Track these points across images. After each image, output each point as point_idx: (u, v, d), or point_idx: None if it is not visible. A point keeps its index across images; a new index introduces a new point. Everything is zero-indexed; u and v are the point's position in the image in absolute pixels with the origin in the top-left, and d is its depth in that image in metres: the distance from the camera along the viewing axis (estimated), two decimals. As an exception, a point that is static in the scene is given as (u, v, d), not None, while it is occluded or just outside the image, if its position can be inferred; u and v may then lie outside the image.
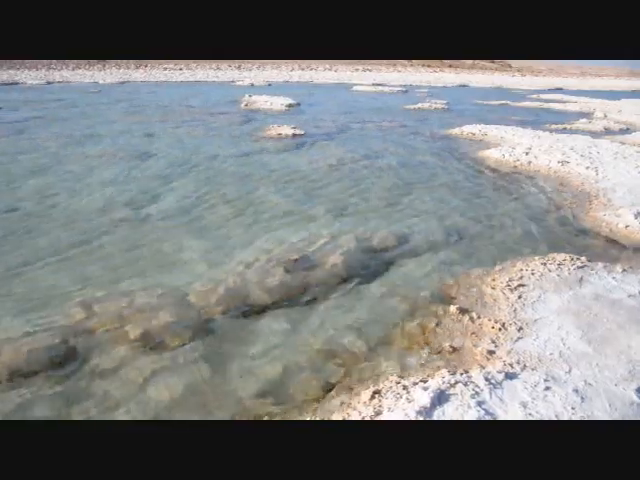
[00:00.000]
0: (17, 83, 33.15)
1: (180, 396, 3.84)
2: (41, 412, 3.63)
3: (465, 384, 3.76)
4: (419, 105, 24.46)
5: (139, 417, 3.62)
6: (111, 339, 4.47)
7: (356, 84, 39.67)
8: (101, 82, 35.94)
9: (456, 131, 16.23)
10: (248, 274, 5.66)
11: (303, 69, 59.18)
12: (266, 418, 3.65)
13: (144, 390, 3.89)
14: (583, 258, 6.07)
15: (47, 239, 6.59)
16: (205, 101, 24.20)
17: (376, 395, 3.76)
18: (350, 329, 4.73)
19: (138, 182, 9.35)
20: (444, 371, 3.97)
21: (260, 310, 5.01)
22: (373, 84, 40.64)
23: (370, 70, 64.70)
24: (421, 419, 3.40)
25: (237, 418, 3.62)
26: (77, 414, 3.62)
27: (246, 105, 22.03)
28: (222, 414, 3.66)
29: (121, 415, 3.62)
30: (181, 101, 23.85)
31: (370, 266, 6.04)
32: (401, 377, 3.98)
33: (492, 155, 12.43)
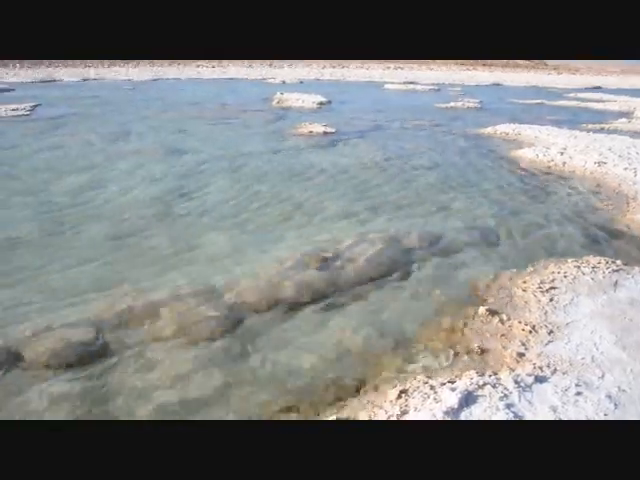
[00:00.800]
0: (55, 80, 33.98)
1: (212, 390, 3.90)
2: (73, 404, 3.74)
3: (494, 386, 3.73)
4: (452, 104, 24.19)
5: (170, 411, 3.69)
6: (145, 333, 4.57)
7: (388, 82, 39.43)
8: (135, 79, 36.54)
9: (489, 130, 16.00)
10: (280, 271, 5.70)
11: (334, 67, 59.11)
12: (294, 415, 3.68)
13: (175, 385, 3.96)
14: (619, 261, 5.93)
15: (84, 234, 6.77)
16: (237, 98, 24.42)
17: (403, 395, 3.76)
18: (378, 328, 4.73)
19: (172, 179, 9.51)
20: (472, 372, 3.94)
21: (291, 307, 5.05)
22: (405, 82, 40.34)
23: (402, 68, 64.22)
24: (442, 419, 3.38)
25: (265, 415, 3.66)
26: (109, 407, 3.71)
27: (278, 102, 22.14)
28: (251, 410, 3.71)
29: (152, 408, 3.70)
30: (213, 98, 24.12)
31: (401, 265, 6.02)
32: (429, 377, 3.97)
33: (526, 155, 12.22)
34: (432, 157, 12.07)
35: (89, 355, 4.26)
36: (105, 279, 5.50)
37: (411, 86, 36.90)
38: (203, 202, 8.18)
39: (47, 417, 3.57)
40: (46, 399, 3.76)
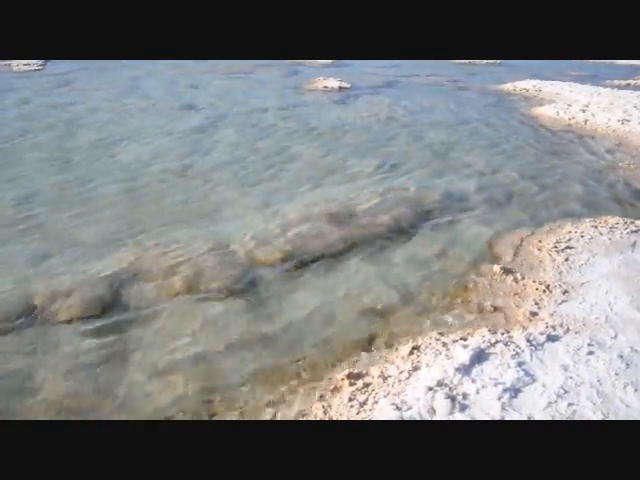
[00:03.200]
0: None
1: (225, 345, 3.97)
2: (91, 356, 3.83)
3: (506, 344, 3.74)
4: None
5: (185, 364, 3.76)
6: (160, 288, 4.63)
7: (405, 36, 38.37)
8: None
9: (508, 87, 15.56)
10: (293, 228, 5.70)
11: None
12: (305, 374, 3.73)
13: (190, 339, 4.03)
14: (638, 222, 5.83)
15: (100, 190, 6.79)
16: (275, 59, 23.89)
17: (415, 351, 3.79)
18: (391, 285, 4.74)
19: (184, 134, 9.43)
20: (484, 330, 3.96)
21: (304, 263, 5.06)
22: (423, 36, 39.16)
23: (420, 21, 62.22)
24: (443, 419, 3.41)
25: (275, 368, 3.73)
26: (126, 360, 3.80)
27: (292, 57, 21.65)
28: (263, 363, 3.78)
29: (168, 363, 3.78)
30: (227, 52, 23.61)
31: (415, 222, 5.99)
32: (441, 334, 3.99)
33: (545, 112, 11.90)
34: (449, 114, 11.81)
35: (106, 308, 4.34)
36: (120, 234, 5.55)
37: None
38: (217, 158, 8.13)
39: (62, 368, 3.66)
40: (63, 350, 3.86)
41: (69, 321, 4.16)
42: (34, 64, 18.03)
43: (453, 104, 12.93)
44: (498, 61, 23.45)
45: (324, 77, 15.64)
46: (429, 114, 11.66)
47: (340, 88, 14.11)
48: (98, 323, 4.15)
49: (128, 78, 15.36)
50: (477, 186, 7.21)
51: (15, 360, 3.75)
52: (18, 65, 17.51)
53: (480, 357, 3.60)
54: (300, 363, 3.79)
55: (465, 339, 3.87)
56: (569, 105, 12.39)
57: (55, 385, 3.52)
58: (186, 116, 10.77)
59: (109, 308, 4.34)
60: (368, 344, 4.00)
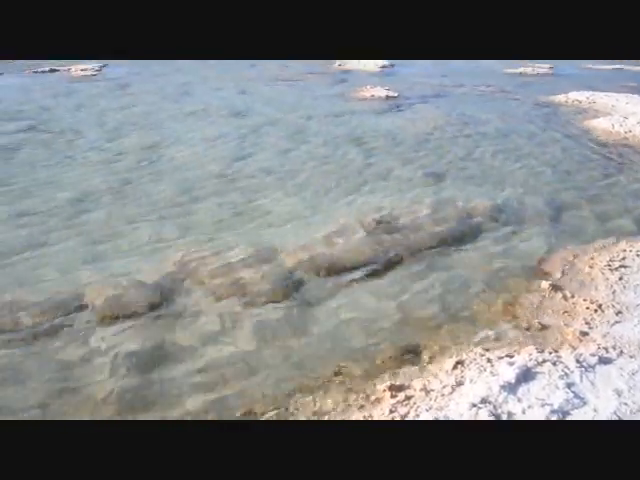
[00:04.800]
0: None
1: (267, 350, 3.99)
2: (131, 352, 3.92)
3: (554, 364, 3.62)
4: (521, 69, 23.03)
5: (223, 366, 3.80)
6: (203, 290, 4.71)
7: (454, 45, 37.96)
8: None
9: (560, 98, 15.17)
10: (338, 236, 5.70)
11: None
12: (347, 379, 3.71)
13: (230, 343, 4.08)
14: (698, 242, 5.57)
15: (149, 192, 6.98)
16: (298, 60, 24.15)
17: (459, 365, 3.72)
18: (436, 297, 4.68)
19: (233, 139, 9.59)
20: (531, 348, 3.84)
21: (349, 271, 5.05)
22: (472, 45, 38.66)
23: (470, 30, 61.46)
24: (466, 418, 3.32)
25: (316, 377, 3.72)
26: (164, 359, 3.87)
27: (339, 65, 21.76)
28: (302, 369, 3.77)
29: (206, 363, 3.82)
30: (274, 60, 23.94)
31: (461, 234, 5.90)
32: (486, 350, 3.91)
33: (600, 125, 11.53)
34: (498, 125, 11.59)
35: (149, 307, 4.44)
36: (167, 235, 5.68)
37: (478, 50, 35.31)
38: (263, 164, 8.22)
39: (108, 365, 3.76)
40: (106, 344, 3.98)
41: (116, 318, 4.28)
42: (90, 69, 18.71)
43: (503, 115, 12.70)
44: (550, 71, 22.93)
45: (371, 85, 15.64)
46: (478, 125, 11.48)
47: (387, 97, 14.07)
48: (144, 321, 4.25)
49: (180, 83, 15.75)
50: (525, 200, 7.05)
51: (64, 356, 3.87)
52: (76, 70, 18.22)
53: (527, 376, 3.50)
54: (340, 372, 3.77)
55: (511, 356, 3.77)
56: (625, 118, 11.97)
57: (102, 382, 3.62)
58: (234, 121, 10.95)
59: (155, 307, 4.44)
60: (410, 356, 3.94)
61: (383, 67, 21.24)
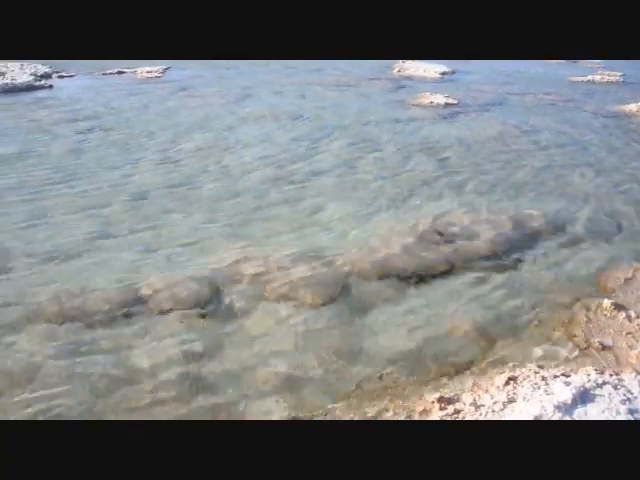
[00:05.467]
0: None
1: (314, 353, 4.01)
2: (185, 349, 4.02)
3: (615, 387, 3.46)
4: (589, 77, 22.17)
5: (265, 367, 3.84)
6: (254, 290, 4.77)
7: (518, 52, 36.95)
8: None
9: (631, 107, 14.50)
10: (391, 242, 5.67)
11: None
12: (398, 389, 3.67)
13: (281, 343, 4.12)
14: None
15: (205, 192, 7.16)
16: (357, 65, 24.15)
17: (511, 382, 3.62)
18: (490, 309, 4.56)
19: (291, 143, 9.69)
20: (590, 369, 3.69)
21: (402, 279, 5.02)
22: (537, 52, 37.50)
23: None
24: (553, 417, 3.20)
25: (364, 383, 3.69)
26: (218, 356, 3.95)
27: (399, 71, 21.62)
28: (349, 375, 3.76)
29: (257, 361, 3.87)
30: (334, 64, 24.07)
31: (518, 247, 5.73)
32: (540, 367, 3.79)
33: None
34: (561, 135, 11.21)
35: (200, 304, 4.56)
36: (221, 235, 5.80)
37: (544, 57, 34.23)
38: (320, 168, 8.27)
39: (159, 359, 3.86)
40: (159, 337, 4.10)
41: (169, 312, 4.40)
42: (155, 71, 19.37)
43: (567, 125, 12.28)
44: (620, 79, 21.98)
45: (430, 92, 15.46)
46: (538, 135, 11.14)
47: (446, 104, 13.87)
48: (195, 318, 4.36)
49: (242, 87, 16.07)
50: (586, 213, 6.77)
51: (120, 347, 4.02)
52: (142, 72, 18.91)
53: (584, 397, 3.36)
54: (388, 380, 3.74)
55: (567, 375, 3.63)
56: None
57: (153, 376, 3.73)
58: (293, 125, 11.07)
59: (206, 304, 4.54)
60: (461, 369, 3.87)
61: (443, 73, 20.95)
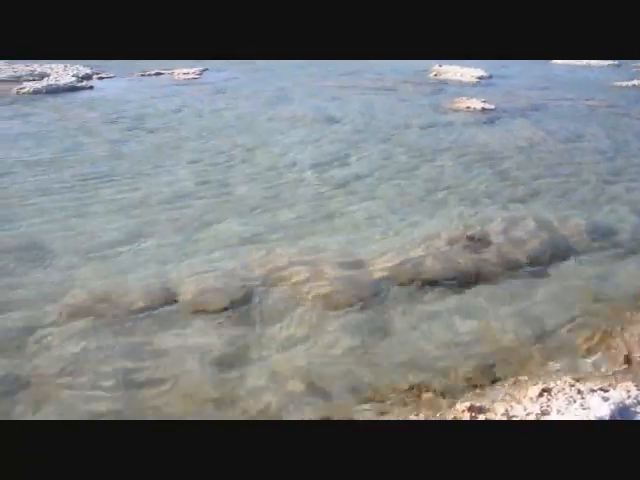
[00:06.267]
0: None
1: (344, 357, 3.98)
2: (216, 345, 4.04)
3: (656, 404, 3.33)
4: (634, 82, 21.54)
5: (295, 368, 3.82)
6: (289, 292, 4.78)
7: (558, 57, 36.17)
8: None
9: (677, 115, 14.02)
10: (425, 246, 5.60)
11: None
12: (429, 394, 3.62)
13: (311, 344, 4.11)
14: None
15: (240, 192, 7.23)
16: (393, 69, 24.06)
17: (545, 393, 3.52)
18: (525, 319, 4.45)
19: (326, 145, 9.70)
20: (630, 384, 3.56)
21: (433, 284, 4.95)
22: (578, 57, 36.60)
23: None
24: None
25: (394, 391, 3.65)
26: (243, 355, 3.96)
27: (435, 75, 21.44)
28: (379, 380, 3.72)
29: (285, 360, 3.87)
30: (370, 68, 24.02)
31: (555, 255, 5.58)
32: (576, 380, 3.67)
33: None
34: (602, 142, 10.90)
35: (233, 303, 4.58)
36: (254, 236, 5.84)
37: (584, 61, 33.49)
38: (352, 171, 8.25)
39: (184, 353, 3.89)
40: (191, 337, 4.12)
41: (202, 312, 4.44)
42: (193, 72, 19.68)
43: (609, 132, 11.95)
44: (666, 87, 21.23)
45: (467, 97, 15.27)
46: (578, 142, 10.86)
47: (483, 109, 13.67)
48: (228, 317, 4.39)
49: (276, 88, 16.19)
50: (632, 225, 6.54)
51: (153, 345, 4.07)
52: (179, 73, 19.24)
53: (623, 414, 3.24)
54: (417, 385, 3.69)
55: (605, 390, 3.50)
56: None
57: (184, 376, 3.75)
58: (327, 128, 11.08)
59: (239, 304, 4.56)
60: (494, 378, 3.78)
61: (480, 78, 20.67)
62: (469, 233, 5.92)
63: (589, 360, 3.94)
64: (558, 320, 4.45)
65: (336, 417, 3.38)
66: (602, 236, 6.11)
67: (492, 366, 3.89)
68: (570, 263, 5.45)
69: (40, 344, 4.03)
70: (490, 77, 21.52)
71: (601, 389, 3.53)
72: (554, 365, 3.93)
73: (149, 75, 19.40)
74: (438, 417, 3.35)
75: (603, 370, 3.82)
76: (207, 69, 20.88)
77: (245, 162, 8.53)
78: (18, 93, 14.84)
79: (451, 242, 5.71)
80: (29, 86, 15.40)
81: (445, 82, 19.60)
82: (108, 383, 3.66)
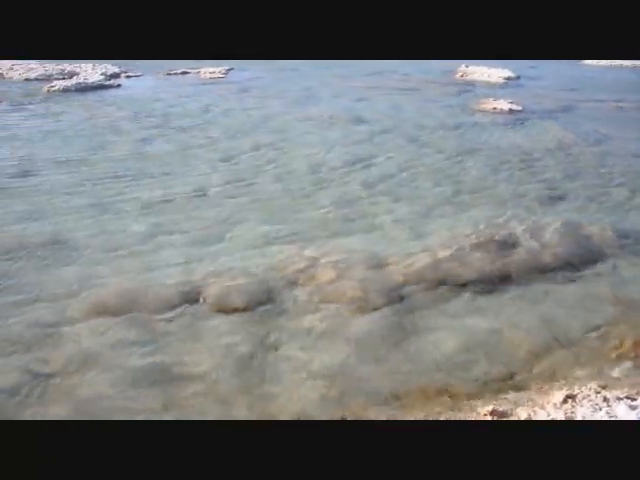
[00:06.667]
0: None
1: (367, 358, 3.96)
2: (239, 345, 4.05)
3: (685, 413, 3.24)
4: (667, 84, 21.03)
5: (318, 369, 3.82)
6: (313, 293, 4.78)
7: (588, 58, 35.52)
8: (323, 47, 37.82)
9: None
10: (449, 250, 5.54)
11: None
12: (447, 399, 3.58)
13: (334, 347, 4.10)
14: None
15: (264, 191, 7.26)
16: (419, 69, 23.90)
17: (569, 400, 3.46)
18: (550, 324, 4.38)
19: (350, 145, 9.68)
20: (659, 393, 3.46)
21: (457, 287, 4.90)
22: (609, 59, 35.90)
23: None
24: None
25: (414, 393, 3.62)
26: (266, 355, 3.96)
27: (462, 75, 21.23)
28: (401, 383, 3.69)
29: (304, 365, 3.87)
30: (395, 68, 23.91)
31: (581, 260, 5.47)
32: (602, 387, 3.59)
33: None
34: (633, 144, 10.66)
35: (256, 303, 4.59)
36: (278, 235, 5.85)
37: (618, 62, 32.78)
38: (379, 172, 8.22)
39: (213, 359, 3.91)
40: (214, 336, 4.14)
41: (225, 311, 4.46)
42: (218, 72, 19.83)
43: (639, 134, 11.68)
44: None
45: (494, 98, 15.09)
46: (606, 145, 10.63)
47: (510, 110, 13.48)
48: (250, 317, 4.40)
49: (302, 88, 16.22)
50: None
51: (175, 346, 4.10)
52: (205, 73, 19.41)
53: (650, 422, 3.16)
54: (440, 390, 3.65)
55: (633, 399, 3.42)
56: None
57: (207, 374, 3.78)
58: (353, 128, 11.05)
59: (262, 304, 4.57)
60: (517, 382, 3.74)
61: (508, 78, 20.40)
62: (495, 236, 5.83)
63: (617, 368, 3.85)
64: (586, 326, 4.36)
65: (355, 417, 3.37)
66: (632, 241, 5.97)
67: (516, 371, 3.83)
68: (599, 268, 5.34)
69: (63, 340, 4.09)
70: (518, 78, 21.23)
71: (628, 397, 3.45)
72: (580, 371, 3.85)
73: (175, 74, 19.61)
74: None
75: (631, 378, 3.73)
76: (233, 68, 21.03)
77: (272, 162, 8.56)
78: (49, 91, 15.15)
79: (478, 245, 5.64)
80: (59, 84, 15.71)
81: (472, 83, 19.40)
82: (131, 381, 3.70)
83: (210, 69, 20.23)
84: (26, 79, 17.64)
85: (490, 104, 14.06)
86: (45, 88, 15.18)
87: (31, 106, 12.98)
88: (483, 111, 13.47)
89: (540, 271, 5.20)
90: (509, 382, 3.72)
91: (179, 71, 20.09)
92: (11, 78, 18.18)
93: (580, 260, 5.45)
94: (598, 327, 4.34)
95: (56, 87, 15.22)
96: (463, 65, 23.78)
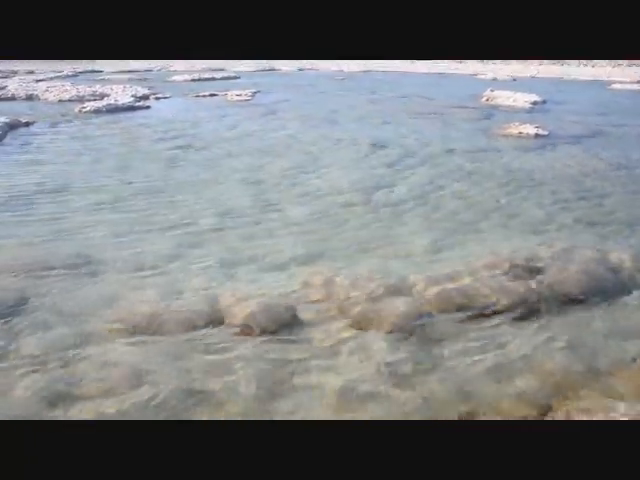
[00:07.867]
0: (274, 69, 37.76)
1: (385, 386, 3.90)
2: (262, 362, 4.03)
3: None
4: (697, 110, 20.67)
5: (346, 392, 3.77)
6: (329, 316, 4.72)
7: (616, 81, 35.24)
8: (345, 70, 38.46)
9: None
10: (474, 273, 5.45)
11: (553, 64, 54.71)
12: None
13: (353, 369, 4.04)
14: None
15: (289, 213, 7.29)
16: (445, 93, 24.01)
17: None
18: (580, 353, 4.25)
19: (374, 169, 9.72)
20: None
21: (482, 313, 4.80)
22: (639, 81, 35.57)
23: (638, 65, 56.71)
24: None
25: (443, 417, 3.54)
26: (289, 379, 3.93)
27: (487, 100, 21.23)
28: (420, 409, 3.61)
29: (328, 381, 3.82)
30: (421, 92, 24.04)
31: (613, 287, 5.31)
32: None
33: None
34: (664, 171, 10.46)
35: (281, 324, 4.55)
36: (301, 258, 5.84)
37: (644, 87, 32.41)
38: (402, 195, 8.21)
39: (229, 376, 3.89)
40: (235, 359, 4.12)
41: (248, 334, 4.44)
42: (245, 94, 20.20)
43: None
44: None
45: (519, 122, 15.02)
46: (635, 170, 10.46)
47: (536, 135, 13.40)
48: (274, 340, 4.37)
49: (327, 111, 16.40)
50: None
51: (197, 367, 4.10)
52: (232, 95, 19.79)
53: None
54: (462, 418, 3.56)
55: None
56: None
57: (232, 397, 3.75)
58: (377, 152, 11.11)
59: (282, 328, 4.53)
60: (543, 413, 3.61)
61: (534, 103, 20.32)
62: (520, 261, 5.74)
63: (648, 401, 3.71)
64: (618, 356, 4.22)
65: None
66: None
67: (542, 400, 3.72)
68: (628, 297, 5.20)
69: (86, 359, 4.11)
70: (544, 102, 21.14)
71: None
72: (611, 403, 3.72)
73: (203, 96, 20.02)
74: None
75: (664, 412, 3.59)
76: (259, 91, 21.38)
77: (296, 184, 8.62)
78: (80, 112, 15.58)
79: (500, 270, 5.55)
80: (90, 105, 16.15)
81: (497, 107, 19.37)
82: (154, 401, 3.69)
83: (237, 92, 20.63)
84: (60, 100, 18.22)
85: (516, 129, 13.99)
86: (77, 109, 15.62)
87: (63, 125, 13.36)
88: (509, 136, 13.42)
89: (566, 299, 5.08)
90: (536, 411, 3.59)
91: (207, 93, 20.53)
92: (46, 99, 18.80)
93: (607, 288, 5.31)
94: (631, 357, 4.21)
95: (87, 108, 15.65)
96: (489, 89, 23.77)
